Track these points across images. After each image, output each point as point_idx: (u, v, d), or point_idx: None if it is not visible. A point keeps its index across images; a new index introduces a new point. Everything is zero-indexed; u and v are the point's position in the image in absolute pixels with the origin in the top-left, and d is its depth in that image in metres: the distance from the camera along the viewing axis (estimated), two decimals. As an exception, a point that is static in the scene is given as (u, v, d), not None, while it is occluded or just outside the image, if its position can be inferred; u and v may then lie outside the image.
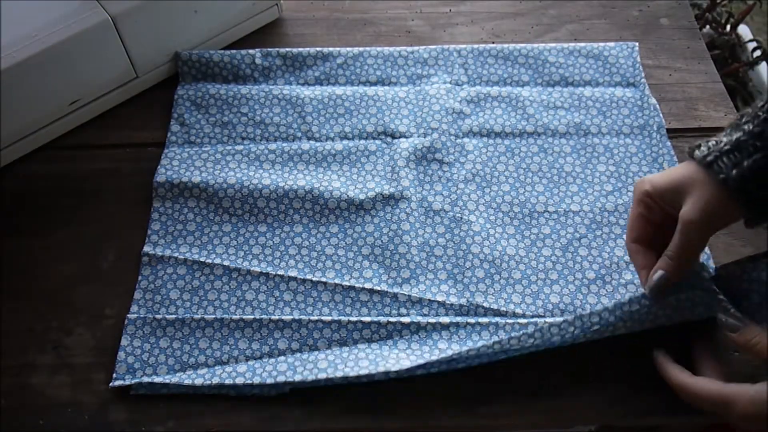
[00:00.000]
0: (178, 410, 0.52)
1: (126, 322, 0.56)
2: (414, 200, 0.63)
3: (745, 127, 0.48)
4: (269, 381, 0.52)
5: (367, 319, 0.56)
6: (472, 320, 0.54)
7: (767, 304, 0.50)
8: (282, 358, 0.55)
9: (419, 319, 0.56)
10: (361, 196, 0.63)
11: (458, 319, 0.56)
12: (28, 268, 0.59)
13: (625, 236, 0.56)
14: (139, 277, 0.58)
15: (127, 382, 0.53)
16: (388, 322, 0.56)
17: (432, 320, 0.56)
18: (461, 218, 0.62)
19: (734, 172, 0.46)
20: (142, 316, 0.56)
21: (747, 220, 0.49)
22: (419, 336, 0.55)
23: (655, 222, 0.53)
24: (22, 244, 0.61)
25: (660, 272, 0.50)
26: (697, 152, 0.50)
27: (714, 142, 0.49)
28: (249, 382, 0.52)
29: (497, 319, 0.56)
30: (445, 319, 0.56)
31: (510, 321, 0.56)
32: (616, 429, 0.54)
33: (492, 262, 0.60)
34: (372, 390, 0.54)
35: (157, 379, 0.53)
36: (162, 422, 0.52)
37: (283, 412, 0.53)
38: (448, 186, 0.64)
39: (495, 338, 0.53)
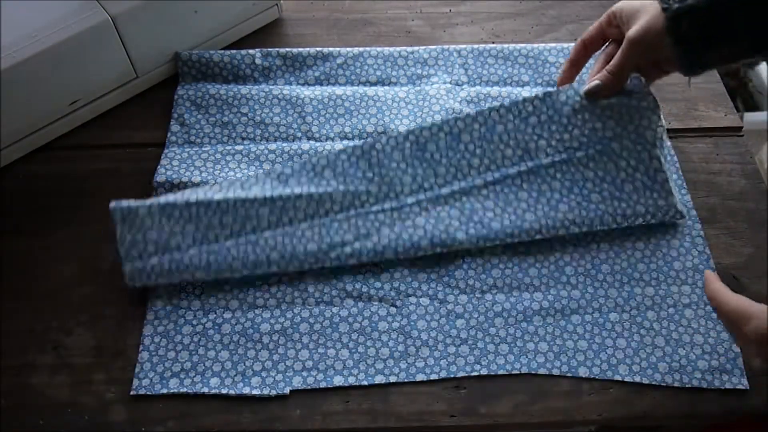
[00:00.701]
0: (178, 410, 0.52)
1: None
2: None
3: None
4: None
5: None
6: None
7: None
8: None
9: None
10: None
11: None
12: (28, 268, 0.59)
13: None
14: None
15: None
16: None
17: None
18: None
19: (676, 6, 0.52)
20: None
21: (680, 63, 0.54)
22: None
23: (606, 35, 0.61)
24: (22, 244, 0.61)
25: (596, 81, 0.60)
26: None
27: None
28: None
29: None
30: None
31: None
32: (616, 429, 0.54)
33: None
34: (372, 390, 0.54)
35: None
36: (162, 422, 0.52)
37: (283, 412, 0.53)
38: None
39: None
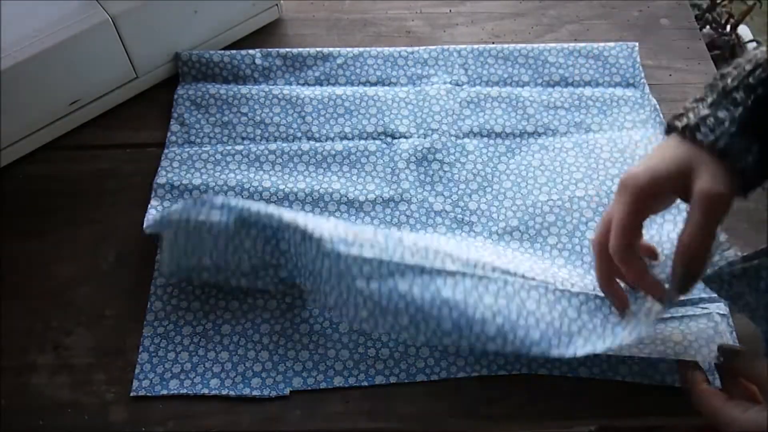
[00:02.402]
0: (178, 410, 0.52)
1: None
2: (414, 202, 0.63)
3: (736, 96, 0.45)
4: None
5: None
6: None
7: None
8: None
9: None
10: (361, 198, 0.63)
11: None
12: (29, 268, 0.59)
13: (611, 241, 0.47)
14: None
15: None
16: None
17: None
18: (462, 219, 0.62)
19: (748, 160, 0.44)
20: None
21: (743, 189, 0.46)
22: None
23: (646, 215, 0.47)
24: (22, 244, 0.61)
25: (682, 269, 0.45)
26: (680, 123, 0.46)
27: (699, 116, 0.45)
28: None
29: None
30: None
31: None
32: (616, 429, 0.54)
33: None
34: (372, 391, 0.54)
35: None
36: (162, 422, 0.52)
37: (283, 413, 0.53)
38: (449, 187, 0.64)
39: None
